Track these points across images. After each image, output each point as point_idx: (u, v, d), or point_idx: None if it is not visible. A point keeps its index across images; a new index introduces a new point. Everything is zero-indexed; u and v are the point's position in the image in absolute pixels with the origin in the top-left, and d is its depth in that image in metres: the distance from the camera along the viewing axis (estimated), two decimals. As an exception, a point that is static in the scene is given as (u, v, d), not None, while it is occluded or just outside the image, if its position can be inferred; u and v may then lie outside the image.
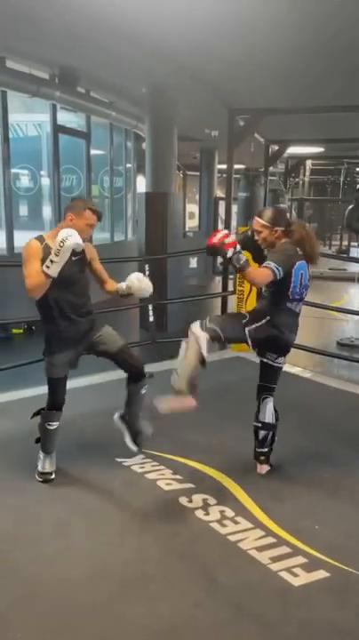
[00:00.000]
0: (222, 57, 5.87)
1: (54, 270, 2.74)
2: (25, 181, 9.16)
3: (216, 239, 2.76)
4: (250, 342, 3.00)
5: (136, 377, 3.17)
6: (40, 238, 2.92)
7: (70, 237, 2.69)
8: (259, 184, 9.50)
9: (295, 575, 2.38)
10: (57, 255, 2.71)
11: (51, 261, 2.73)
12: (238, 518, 2.79)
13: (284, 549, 2.55)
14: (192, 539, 2.65)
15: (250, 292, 5.70)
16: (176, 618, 2.16)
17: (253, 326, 2.97)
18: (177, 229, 7.41)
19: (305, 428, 3.90)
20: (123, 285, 3.17)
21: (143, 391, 3.20)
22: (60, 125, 8.04)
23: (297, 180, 16.54)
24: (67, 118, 8.45)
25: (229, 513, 2.83)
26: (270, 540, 2.62)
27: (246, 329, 2.96)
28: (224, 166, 8.56)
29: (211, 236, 2.85)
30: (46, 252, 2.82)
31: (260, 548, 2.55)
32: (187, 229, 15.44)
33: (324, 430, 3.93)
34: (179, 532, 2.71)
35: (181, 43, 5.44)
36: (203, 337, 2.89)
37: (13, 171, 7.69)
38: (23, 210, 9.27)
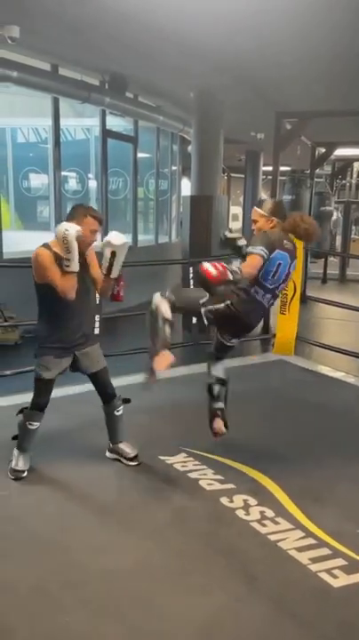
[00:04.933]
0: (270, 60, 5.89)
1: (74, 265, 2.86)
2: (73, 184, 9.40)
3: (216, 278, 2.87)
4: (205, 322, 3.09)
5: (109, 398, 3.31)
6: (47, 246, 2.99)
7: (68, 230, 2.80)
8: (305, 187, 9.46)
9: (335, 577, 2.41)
10: (68, 252, 2.82)
11: (67, 259, 2.84)
12: (278, 519, 2.83)
13: (324, 551, 2.58)
14: (232, 537, 2.71)
15: (294, 294, 5.69)
16: (216, 612, 2.23)
17: (210, 307, 3.03)
18: (221, 232, 7.45)
19: (348, 433, 3.89)
20: (104, 255, 3.11)
21: (117, 413, 3.34)
22: (109, 130, 8.23)
23: (344, 182, 16.30)
24: (115, 122, 8.65)
25: (269, 513, 2.88)
26: (310, 541, 2.66)
27: (202, 309, 3.04)
28: (269, 168, 8.56)
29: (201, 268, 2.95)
30: (56, 257, 2.93)
31: (300, 549, 2.59)
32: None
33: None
34: (220, 530, 2.78)
35: (229, 47, 5.50)
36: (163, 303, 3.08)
37: (62, 174, 7.92)
38: (71, 212, 9.50)
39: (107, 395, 3.31)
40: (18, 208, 9.22)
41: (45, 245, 3.00)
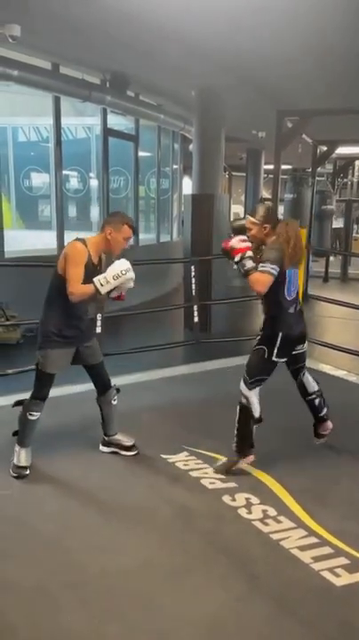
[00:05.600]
0: (271, 58, 5.88)
1: (105, 289, 2.87)
2: (74, 183, 9.40)
3: (229, 243, 3.03)
4: (285, 362, 3.26)
5: (105, 389, 3.36)
6: (84, 243, 3.01)
7: (131, 272, 2.87)
8: (307, 185, 9.43)
9: (337, 575, 2.41)
10: (114, 280, 2.85)
11: (107, 280, 2.86)
12: (281, 517, 2.83)
13: (327, 550, 2.58)
14: (234, 536, 2.71)
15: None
16: (218, 611, 2.23)
17: (275, 351, 3.14)
18: (222, 230, 7.46)
19: (349, 431, 3.88)
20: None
21: (114, 402, 3.39)
22: (110, 128, 8.22)
23: (345, 180, 16.27)
24: (116, 121, 8.64)
25: (272, 512, 2.87)
26: (313, 539, 2.65)
27: (272, 359, 3.15)
28: (270, 167, 8.54)
29: (226, 239, 3.08)
30: (87, 260, 2.97)
31: (302, 548, 2.59)
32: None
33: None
34: (222, 529, 2.77)
35: (230, 46, 5.49)
36: (252, 396, 3.19)
37: (63, 173, 7.91)
38: (72, 211, 9.53)
39: (104, 385, 3.36)
40: (19, 207, 9.22)
41: (82, 241, 3.02)
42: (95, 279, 2.87)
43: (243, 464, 3.26)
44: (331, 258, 12.86)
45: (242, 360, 5.63)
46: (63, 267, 2.98)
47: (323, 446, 3.54)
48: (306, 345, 3.39)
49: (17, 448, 3.23)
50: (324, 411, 3.49)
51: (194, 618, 2.19)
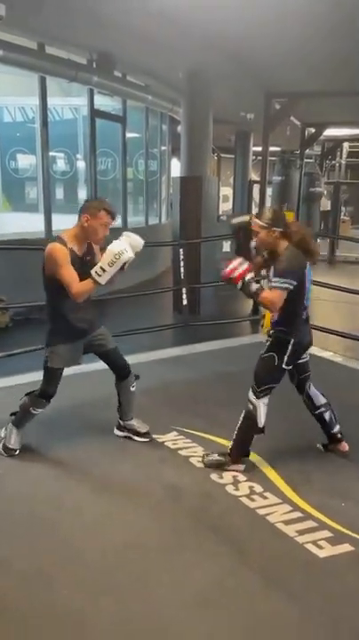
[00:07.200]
0: (258, 38, 5.85)
1: (104, 279, 2.81)
2: (61, 165, 9.32)
3: (228, 272, 2.86)
4: (294, 370, 3.14)
5: (124, 375, 3.34)
6: (62, 242, 2.94)
7: (126, 252, 2.77)
8: (295, 167, 9.45)
9: (320, 547, 2.50)
10: (110, 266, 2.78)
11: (103, 270, 2.79)
12: (267, 494, 2.91)
13: (310, 523, 2.67)
14: (222, 512, 2.79)
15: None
16: (208, 584, 2.31)
17: (285, 359, 3.01)
18: (211, 213, 7.47)
19: (336, 411, 3.96)
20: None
21: (132, 388, 3.39)
22: (97, 109, 8.14)
23: (333, 162, 16.27)
24: (103, 102, 8.55)
25: (258, 488, 2.96)
26: (297, 514, 2.74)
27: (282, 366, 3.02)
28: (259, 148, 8.53)
29: (225, 270, 2.89)
30: (72, 255, 2.91)
31: (287, 522, 2.68)
32: (220, 213, 15.43)
33: (355, 414, 3.99)
34: (210, 505, 2.85)
35: (218, 26, 5.45)
36: (261, 405, 3.04)
37: (50, 154, 7.84)
38: (59, 193, 9.46)
39: (122, 371, 3.34)
40: (5, 189, 9.12)
41: (60, 240, 2.95)
42: (92, 271, 2.82)
43: (232, 470, 3.13)
44: (319, 240, 12.93)
45: (231, 342, 5.73)
46: (51, 271, 2.93)
47: (310, 426, 3.62)
48: (308, 354, 3.25)
49: (10, 426, 3.28)
50: (337, 427, 3.33)
51: (185, 592, 2.27)
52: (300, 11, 4.92)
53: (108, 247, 2.81)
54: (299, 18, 5.13)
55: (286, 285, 2.83)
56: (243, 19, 5.18)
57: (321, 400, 3.30)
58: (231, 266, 2.87)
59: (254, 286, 2.85)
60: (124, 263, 2.82)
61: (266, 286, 2.97)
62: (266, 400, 3.04)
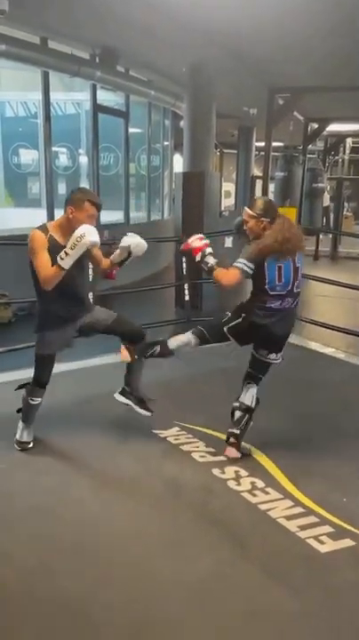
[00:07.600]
0: (262, 34, 5.83)
1: (67, 263, 2.79)
2: (64, 160, 9.29)
3: (188, 244, 2.98)
4: (233, 340, 3.12)
5: (139, 338, 3.29)
6: (44, 229, 2.95)
7: (87, 235, 2.75)
8: (298, 163, 9.42)
9: (322, 542, 2.51)
10: (72, 249, 2.77)
11: (66, 254, 2.78)
12: (268, 489, 2.92)
13: (312, 519, 2.68)
14: (224, 506, 2.80)
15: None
16: (209, 576, 2.33)
17: (232, 324, 3.06)
18: (213, 209, 7.46)
19: (336, 408, 3.98)
20: (117, 250, 3.16)
21: (145, 358, 3.35)
22: (100, 104, 8.13)
23: (336, 158, 16.22)
24: (105, 97, 8.53)
25: (260, 484, 2.97)
26: (298, 509, 2.75)
27: (225, 328, 3.06)
28: (262, 144, 8.51)
29: (184, 242, 3.02)
30: (52, 243, 2.90)
31: (289, 517, 2.69)
32: (223, 209, 15.39)
33: (357, 410, 4.00)
34: (212, 500, 2.86)
35: (221, 21, 5.43)
36: (189, 335, 3.19)
37: (53, 149, 7.83)
38: (61, 188, 9.44)
39: (134, 336, 3.28)
40: (8, 185, 9.10)
41: (42, 227, 2.96)
42: (58, 256, 2.82)
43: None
44: (321, 236, 12.90)
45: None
46: (30, 258, 2.95)
47: (311, 422, 3.64)
48: (277, 357, 3.18)
49: (21, 425, 3.31)
50: (236, 431, 3.23)
51: (185, 584, 2.28)
52: (301, 9, 4.90)
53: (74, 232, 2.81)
54: (300, 16, 5.12)
55: (240, 265, 2.93)
56: (246, 15, 5.16)
57: (246, 400, 3.23)
58: (191, 239, 3.02)
59: (211, 260, 3.00)
60: (129, 254, 2.89)
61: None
62: (193, 339, 3.16)
